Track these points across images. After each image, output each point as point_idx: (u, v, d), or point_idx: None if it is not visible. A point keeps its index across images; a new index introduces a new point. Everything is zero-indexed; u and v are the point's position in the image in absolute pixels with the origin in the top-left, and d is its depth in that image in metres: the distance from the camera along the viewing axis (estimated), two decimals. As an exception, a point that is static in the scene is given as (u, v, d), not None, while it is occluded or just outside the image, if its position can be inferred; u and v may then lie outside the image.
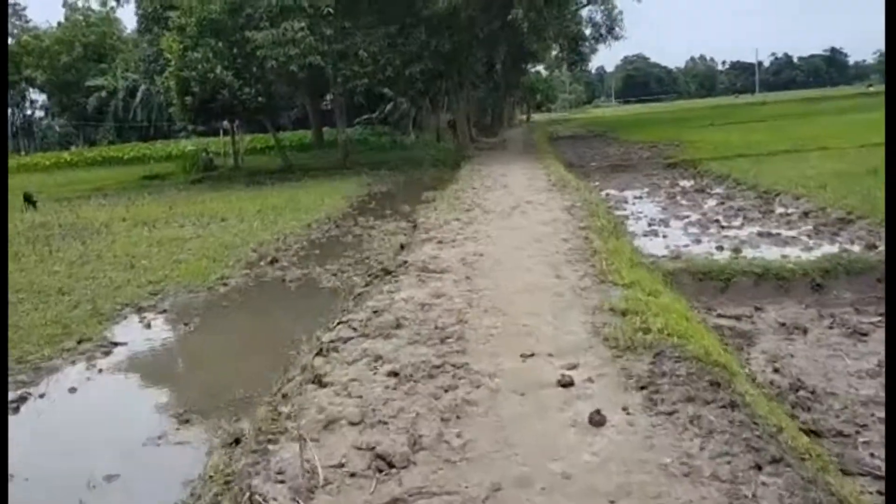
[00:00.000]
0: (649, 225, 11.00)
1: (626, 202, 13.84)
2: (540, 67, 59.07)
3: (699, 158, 19.26)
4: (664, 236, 10.08)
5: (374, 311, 4.94)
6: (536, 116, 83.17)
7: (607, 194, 15.20)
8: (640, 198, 14.35)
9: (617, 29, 37.03)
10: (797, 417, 4.13)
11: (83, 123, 57.77)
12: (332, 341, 4.41)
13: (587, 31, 37.92)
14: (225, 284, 8.43)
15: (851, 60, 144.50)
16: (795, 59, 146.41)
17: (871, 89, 74.96)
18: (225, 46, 21.83)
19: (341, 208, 15.25)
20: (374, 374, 3.95)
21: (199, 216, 15.34)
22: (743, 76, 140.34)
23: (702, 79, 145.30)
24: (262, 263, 9.55)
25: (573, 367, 4.02)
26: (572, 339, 4.55)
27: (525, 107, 76.69)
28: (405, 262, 6.51)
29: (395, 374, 3.88)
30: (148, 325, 7.08)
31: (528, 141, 36.51)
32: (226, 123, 29.48)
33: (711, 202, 12.79)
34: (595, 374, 3.92)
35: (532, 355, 4.28)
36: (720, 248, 8.93)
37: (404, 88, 29.14)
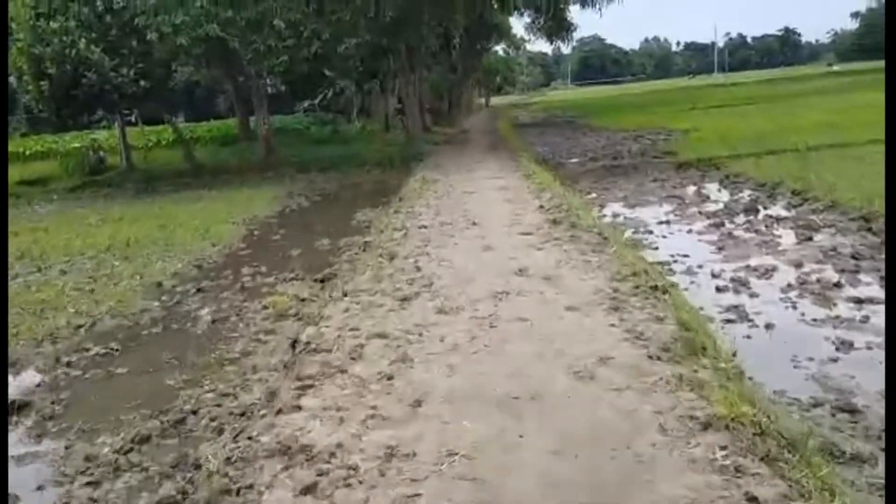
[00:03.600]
0: (718, 290, 6.50)
1: (649, 230, 9.33)
2: (499, 47, 54.05)
3: (716, 156, 14.93)
4: (766, 325, 5.55)
5: None
6: (495, 100, 78.81)
7: (613, 215, 10.73)
8: (668, 223, 9.80)
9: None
10: None
11: (-13, 116, 50.97)
12: None
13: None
14: None
15: (804, 40, 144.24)
16: (749, 40, 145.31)
17: (835, 69, 72.38)
18: (92, 13, 16.36)
19: (229, 245, 10.32)
20: None
21: (18, 257, 10.34)
22: (698, 57, 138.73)
23: (657, 60, 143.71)
24: (-13, 418, 4.69)
25: None
26: None
27: (482, 90, 72.05)
28: None
29: None
30: None
31: (494, 131, 31.74)
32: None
33: (787, 235, 8.35)
34: None
35: None
36: (914, 374, 4.49)
37: (342, 68, 24.07)
